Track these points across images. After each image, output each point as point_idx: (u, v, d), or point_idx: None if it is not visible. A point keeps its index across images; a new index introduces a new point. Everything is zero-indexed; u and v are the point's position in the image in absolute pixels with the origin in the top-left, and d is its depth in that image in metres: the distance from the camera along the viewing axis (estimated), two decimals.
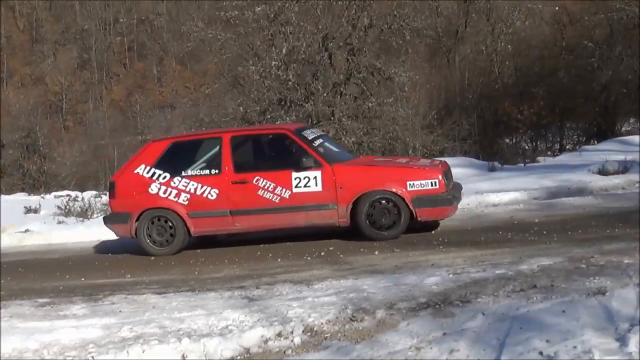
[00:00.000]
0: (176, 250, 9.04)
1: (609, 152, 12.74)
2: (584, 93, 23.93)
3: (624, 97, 23.61)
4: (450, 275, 6.11)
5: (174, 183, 9.01)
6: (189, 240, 9.14)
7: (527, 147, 24.36)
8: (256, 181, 8.79)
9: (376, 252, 7.60)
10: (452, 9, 30.57)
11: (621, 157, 11.50)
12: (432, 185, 8.47)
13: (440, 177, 8.54)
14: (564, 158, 14.01)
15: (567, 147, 23.08)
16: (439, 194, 8.46)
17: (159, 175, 9.09)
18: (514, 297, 5.32)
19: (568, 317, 4.76)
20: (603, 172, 10.90)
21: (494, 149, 22.64)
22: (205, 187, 8.94)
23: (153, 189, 9.06)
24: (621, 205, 9.10)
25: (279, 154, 9.40)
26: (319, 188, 8.68)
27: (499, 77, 27.14)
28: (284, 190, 8.71)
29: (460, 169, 11.87)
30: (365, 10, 19.46)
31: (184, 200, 8.97)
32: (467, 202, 9.93)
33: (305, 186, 8.70)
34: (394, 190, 8.45)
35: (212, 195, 8.92)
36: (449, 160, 13.06)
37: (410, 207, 8.38)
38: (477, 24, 29.89)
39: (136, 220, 9.05)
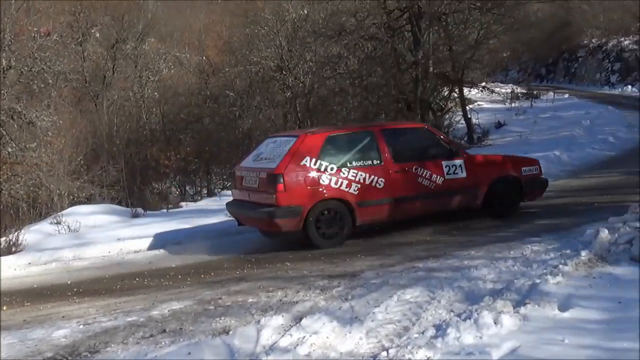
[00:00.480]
0: (343, 242, 9.14)
1: None
2: (228, 139, 25.13)
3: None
4: (81, 326, 6.01)
5: (343, 174, 9.17)
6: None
7: (177, 192, 24.87)
8: (415, 170, 9.59)
9: (4, 308, 7.16)
10: (100, 53, 30.30)
11: None
12: (535, 170, 10.51)
13: (539, 163, 10.76)
14: (205, 203, 14.51)
15: (215, 191, 23.94)
16: (539, 177, 10.57)
17: (326, 166, 9.13)
18: (143, 344, 5.40)
19: (193, 357, 4.98)
20: None
21: (143, 195, 22.71)
22: (373, 177, 9.30)
23: (324, 180, 9.08)
24: (254, 247, 9.66)
25: (426, 145, 10.04)
26: (464, 174, 9.87)
27: (147, 123, 27.44)
28: (438, 177, 9.69)
29: (102, 215, 11.70)
30: (3, 52, 18.50)
31: (354, 191, 9.18)
32: (108, 250, 9.81)
33: (453, 173, 9.81)
34: (515, 174, 10.23)
35: (379, 184, 9.32)
36: (92, 208, 12.90)
37: (523, 188, 10.23)
38: (125, 70, 30.00)
39: (307, 213, 8.85)
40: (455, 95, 23.51)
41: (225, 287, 7.12)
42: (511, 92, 35.61)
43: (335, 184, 9.11)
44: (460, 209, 10.08)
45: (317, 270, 7.62)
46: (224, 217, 11.23)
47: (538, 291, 5.82)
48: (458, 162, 9.90)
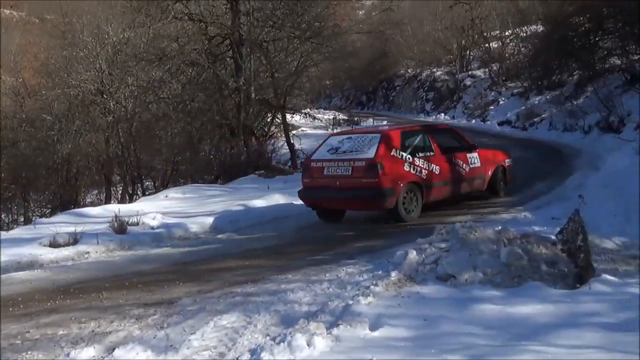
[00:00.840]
0: (417, 217, 11.48)
1: (62, 224, 12.88)
2: (46, 164, 24.06)
3: (85, 169, 24.46)
4: None
5: (417, 162, 11.60)
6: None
7: None
8: (454, 159, 12.41)
9: None
10: None
11: (72, 229, 11.77)
12: (510, 162, 13.95)
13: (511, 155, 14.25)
14: (18, 232, 13.70)
15: (32, 218, 22.78)
16: (511, 167, 13.99)
17: (405, 156, 11.49)
18: None
19: None
20: (54, 244, 10.99)
21: None
22: (432, 165, 11.88)
23: (406, 167, 11.43)
24: (68, 277, 9.20)
25: (454, 140, 13.06)
26: (479, 164, 12.95)
27: None
28: (466, 165, 12.64)
29: None
30: None
31: (423, 175, 11.65)
32: None
33: (473, 163, 12.79)
34: (504, 164, 13.72)
35: (437, 171, 11.93)
36: None
37: (507, 175, 13.73)
38: None
39: (399, 194, 11.13)
40: (278, 121, 23.91)
41: (34, 320, 6.79)
42: (333, 118, 36.80)
43: (413, 170, 11.50)
44: (474, 191, 13.12)
45: (133, 299, 7.45)
46: (37, 246, 10.76)
47: (350, 312, 6.05)
48: (475, 154, 12.96)
